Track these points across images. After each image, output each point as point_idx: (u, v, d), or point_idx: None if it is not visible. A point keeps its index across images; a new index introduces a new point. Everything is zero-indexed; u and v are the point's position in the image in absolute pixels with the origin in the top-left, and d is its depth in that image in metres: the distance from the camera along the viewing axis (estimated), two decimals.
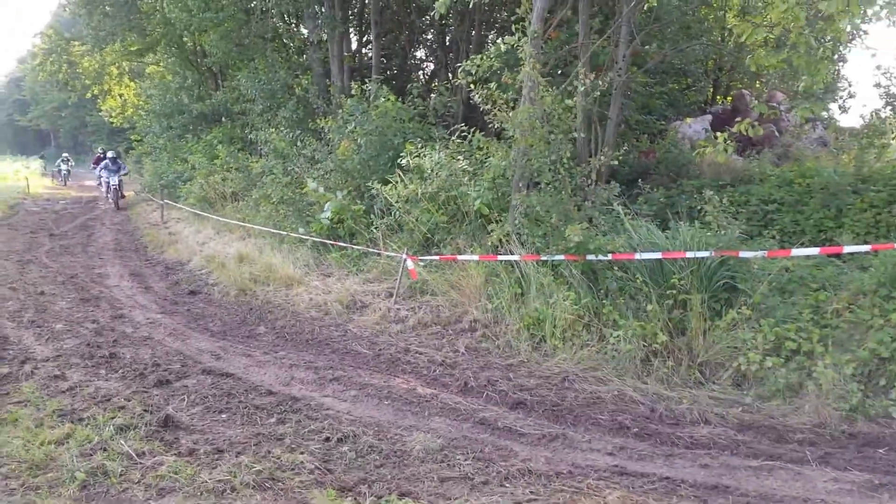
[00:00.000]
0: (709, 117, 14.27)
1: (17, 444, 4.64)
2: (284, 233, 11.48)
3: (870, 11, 7.55)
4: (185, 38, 21.28)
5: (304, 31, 18.71)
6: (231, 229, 13.64)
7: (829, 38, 9.04)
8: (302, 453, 4.62)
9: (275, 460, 4.51)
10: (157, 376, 6.20)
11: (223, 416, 5.42)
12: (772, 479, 4.43)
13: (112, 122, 36.18)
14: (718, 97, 17.02)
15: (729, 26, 15.16)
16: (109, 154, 23.26)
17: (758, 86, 17.20)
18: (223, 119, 21.44)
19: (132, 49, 24.49)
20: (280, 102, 16.48)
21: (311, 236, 10.91)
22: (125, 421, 5.08)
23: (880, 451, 4.92)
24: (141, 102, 29.83)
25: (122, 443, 4.69)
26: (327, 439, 4.91)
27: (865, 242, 7.79)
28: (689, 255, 6.78)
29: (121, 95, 34.98)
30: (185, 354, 7.06)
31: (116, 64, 30.46)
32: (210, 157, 18.36)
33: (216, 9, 16.73)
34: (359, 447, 4.79)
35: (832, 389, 5.50)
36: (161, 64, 26.35)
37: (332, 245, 10.56)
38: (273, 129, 14.78)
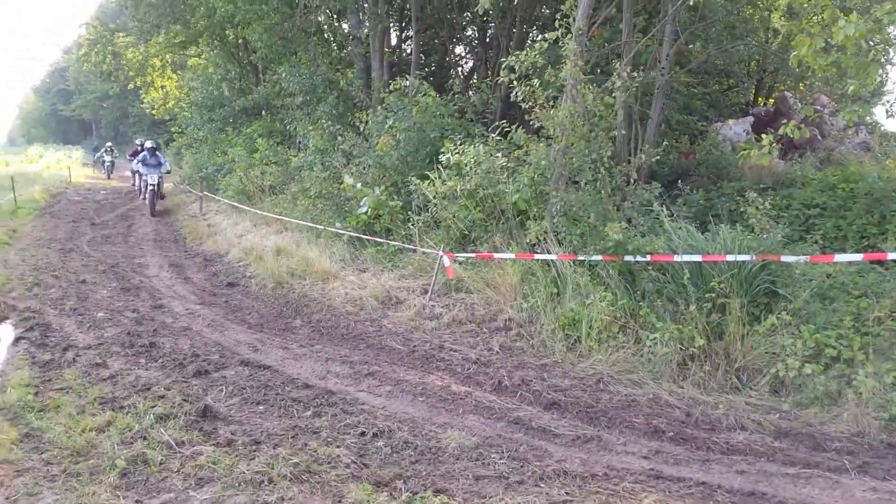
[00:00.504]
0: (750, 119, 14.07)
1: (58, 430, 4.76)
2: (321, 227, 11.57)
3: None
4: (227, 32, 21.50)
5: (346, 27, 18.81)
6: (268, 222, 13.78)
7: (878, 39, 8.86)
8: (338, 447, 4.68)
9: (311, 453, 4.56)
10: (196, 366, 6.31)
11: (260, 407, 5.50)
12: (809, 486, 4.38)
13: (153, 114, 36.63)
14: (760, 99, 16.77)
15: (774, 26, 14.94)
16: (148, 144, 19.44)
17: (801, 88, 16.91)
18: (263, 113, 21.67)
19: (176, 41, 24.83)
20: (320, 97, 16.59)
21: (348, 231, 10.98)
22: (165, 410, 5.18)
23: None
24: (183, 95, 30.29)
25: (162, 431, 4.78)
26: (363, 434, 4.95)
27: None
28: (730, 258, 6.69)
29: (163, 87, 35.53)
30: (223, 346, 7.16)
31: (160, 56, 30.92)
32: (250, 151, 18.55)
33: (261, 1, 16.88)
34: (394, 442, 4.83)
35: (872, 398, 5.40)
36: (203, 56, 26.69)
37: (368, 240, 10.62)
38: (312, 125, 14.89)
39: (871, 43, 8.37)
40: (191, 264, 11.87)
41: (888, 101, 14.30)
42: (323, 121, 14.32)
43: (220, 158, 20.32)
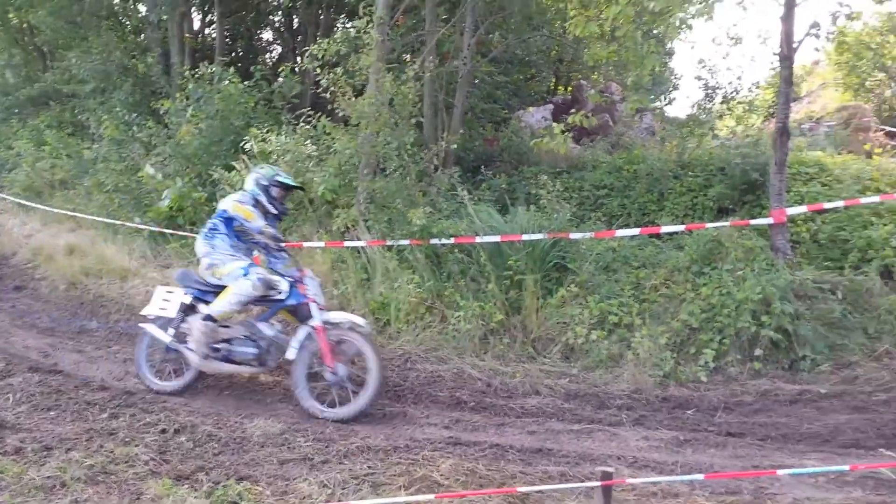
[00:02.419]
0: (550, 107, 14.86)
1: None
2: (119, 223, 10.94)
3: (692, 9, 8.22)
4: (10, 15, 19.66)
5: (142, 10, 17.83)
6: (60, 220, 12.78)
7: (656, 31, 9.67)
8: (136, 446, 4.53)
9: (107, 454, 4.39)
10: None
11: (52, 413, 5.19)
12: (590, 440, 4.83)
13: None
14: (560, 87, 17.75)
15: (569, 18, 15.83)
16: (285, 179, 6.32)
17: (595, 77, 18.08)
18: (51, 103, 20.04)
19: None
20: (115, 84, 15.62)
21: (149, 226, 10.47)
22: None
23: (688, 412, 5.46)
24: None
25: None
26: (163, 431, 4.82)
27: (682, 223, 8.45)
28: (525, 237, 7.13)
29: None
30: (9, 353, 6.66)
31: None
32: (38, 143, 17.10)
33: None
34: (196, 437, 4.75)
35: (648, 358, 6.02)
36: None
37: (171, 235, 10.19)
38: (106, 114, 13.98)
39: (649, 34, 9.17)
40: None
41: (668, 89, 15.80)
42: (118, 109, 13.49)
43: (3, 153, 18.57)
